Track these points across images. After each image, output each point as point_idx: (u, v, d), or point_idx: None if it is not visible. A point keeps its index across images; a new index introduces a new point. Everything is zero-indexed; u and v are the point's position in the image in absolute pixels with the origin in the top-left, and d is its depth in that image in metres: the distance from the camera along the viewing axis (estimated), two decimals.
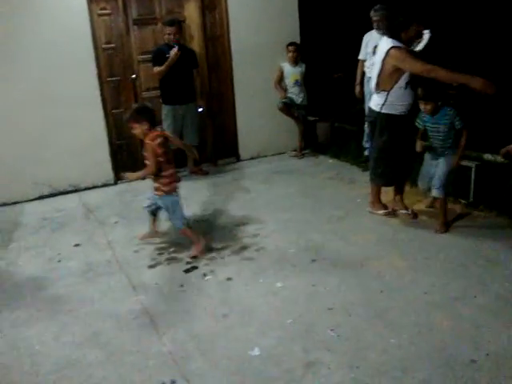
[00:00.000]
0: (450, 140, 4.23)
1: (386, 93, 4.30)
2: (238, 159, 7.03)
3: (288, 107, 6.82)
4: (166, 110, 6.18)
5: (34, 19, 5.71)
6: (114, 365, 2.97)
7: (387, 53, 4.18)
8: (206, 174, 6.56)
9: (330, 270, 3.84)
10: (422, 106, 4.20)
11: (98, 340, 3.21)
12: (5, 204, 5.88)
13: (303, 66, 6.76)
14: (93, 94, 6.14)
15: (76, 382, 2.85)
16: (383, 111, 4.38)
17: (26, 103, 5.87)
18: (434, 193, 4.36)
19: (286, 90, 6.83)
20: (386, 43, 4.23)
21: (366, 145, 6.24)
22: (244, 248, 4.32)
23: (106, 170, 6.39)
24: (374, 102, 4.48)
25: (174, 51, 5.88)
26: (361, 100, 6.34)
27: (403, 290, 3.50)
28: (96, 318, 3.44)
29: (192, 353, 3.00)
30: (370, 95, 4.96)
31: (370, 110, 4.59)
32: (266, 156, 7.09)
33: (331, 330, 3.10)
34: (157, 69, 6.01)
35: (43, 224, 5.26)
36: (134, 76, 6.35)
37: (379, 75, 4.32)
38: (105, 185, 6.35)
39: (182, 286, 3.77)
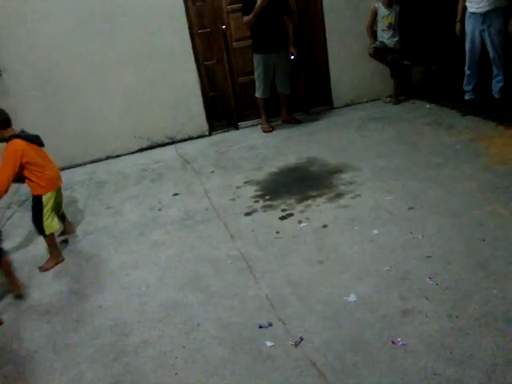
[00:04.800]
0: None
1: None
2: (332, 107, 6.88)
3: (379, 52, 6.52)
4: (257, 59, 6.13)
5: None
6: (213, 307, 3.11)
7: None
8: (298, 122, 6.50)
9: (429, 217, 3.71)
10: None
11: (198, 283, 3.36)
12: (109, 157, 6.23)
13: (397, 7, 6.38)
14: (185, 47, 6.23)
15: (177, 322, 3.03)
16: None
17: (123, 61, 6.10)
18: None
19: (376, 34, 6.53)
20: None
21: (467, 88, 5.88)
22: (339, 195, 4.28)
23: (200, 121, 6.52)
24: None
25: None
26: (461, 39, 5.91)
27: (507, 239, 3.31)
28: (196, 263, 3.61)
29: (288, 297, 3.06)
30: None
31: None
32: (360, 103, 6.87)
33: (429, 278, 3.03)
34: (245, 18, 5.96)
35: (144, 175, 5.53)
36: (224, 27, 6.34)
37: None
38: (200, 136, 6.50)
39: (277, 232, 3.84)
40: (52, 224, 3.89)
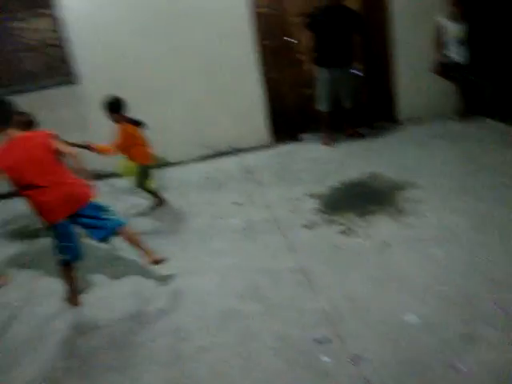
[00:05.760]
0: None
1: None
2: (396, 122, 6.77)
3: (445, 68, 6.38)
4: (319, 72, 6.14)
5: None
6: (270, 318, 3.13)
7: None
8: (361, 137, 6.45)
9: (495, 240, 3.60)
10: None
11: (256, 293, 3.40)
12: (173, 164, 6.39)
13: (465, 22, 6.20)
14: (250, 59, 6.33)
15: (235, 331, 3.07)
16: None
17: (190, 70, 6.27)
18: None
19: (443, 49, 6.38)
20: None
21: None
22: (402, 213, 4.21)
23: (263, 132, 6.58)
24: None
25: None
26: None
27: None
28: (255, 273, 3.64)
29: (346, 313, 3.05)
30: None
31: None
32: (425, 119, 6.70)
33: (494, 303, 2.94)
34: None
35: (206, 183, 5.65)
36: (290, 39, 6.39)
37: None
38: (262, 147, 6.55)
39: (337, 247, 3.82)
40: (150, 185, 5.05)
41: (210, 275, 3.72)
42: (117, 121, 4.67)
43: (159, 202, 5.15)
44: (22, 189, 3.31)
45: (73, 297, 3.64)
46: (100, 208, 3.50)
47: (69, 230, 3.46)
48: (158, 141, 6.14)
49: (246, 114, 6.47)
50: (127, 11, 6.06)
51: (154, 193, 5.14)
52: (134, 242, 3.67)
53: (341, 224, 4.17)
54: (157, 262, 3.68)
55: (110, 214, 3.54)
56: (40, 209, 3.36)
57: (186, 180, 5.85)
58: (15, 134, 3.31)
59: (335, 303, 3.16)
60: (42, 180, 3.28)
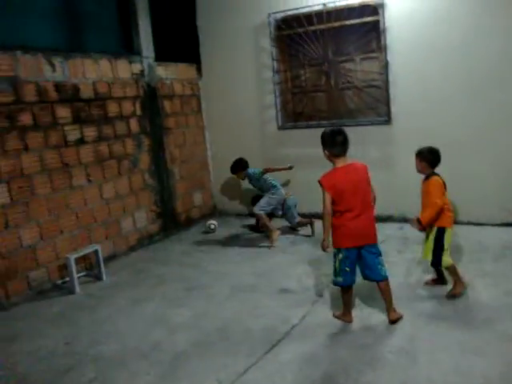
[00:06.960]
0: None
1: None
2: None
3: None
4: None
5: None
6: None
7: None
8: None
9: None
10: None
11: None
12: (470, 223, 6.04)
13: None
14: None
15: None
16: None
17: (503, 125, 5.89)
18: None
19: None
20: None
21: None
22: None
23: None
24: None
25: None
26: None
27: None
28: None
29: None
30: None
31: None
32: None
33: None
34: None
35: (504, 253, 5.16)
36: None
37: None
38: None
39: None
40: (448, 259, 4.19)
41: (491, 358, 3.34)
42: (423, 170, 4.22)
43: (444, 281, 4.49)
44: (336, 210, 3.76)
45: (346, 314, 4.00)
46: (380, 253, 3.88)
47: (352, 258, 3.82)
48: (455, 196, 5.90)
49: None
50: (451, 63, 6.02)
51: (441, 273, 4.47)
52: (387, 296, 3.91)
53: None
54: (394, 321, 3.88)
55: (383, 263, 3.88)
56: (340, 231, 3.78)
57: (481, 245, 5.44)
58: (344, 161, 3.78)
59: None
60: (355, 207, 3.72)
